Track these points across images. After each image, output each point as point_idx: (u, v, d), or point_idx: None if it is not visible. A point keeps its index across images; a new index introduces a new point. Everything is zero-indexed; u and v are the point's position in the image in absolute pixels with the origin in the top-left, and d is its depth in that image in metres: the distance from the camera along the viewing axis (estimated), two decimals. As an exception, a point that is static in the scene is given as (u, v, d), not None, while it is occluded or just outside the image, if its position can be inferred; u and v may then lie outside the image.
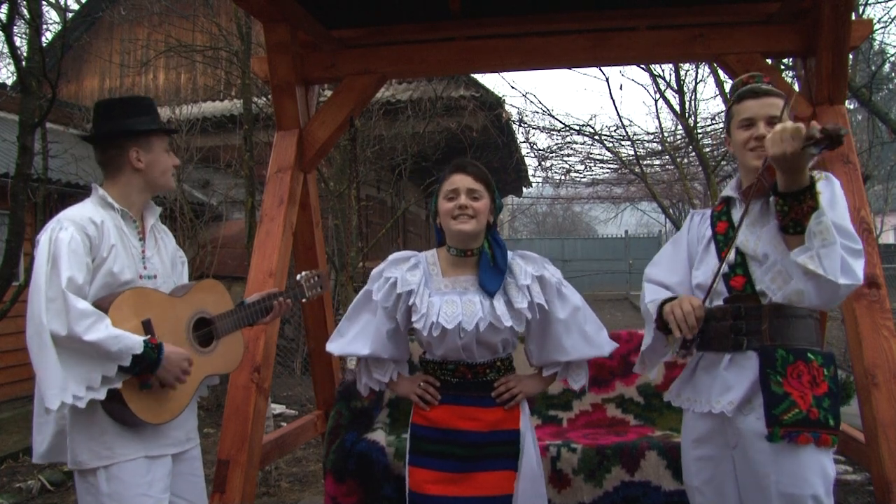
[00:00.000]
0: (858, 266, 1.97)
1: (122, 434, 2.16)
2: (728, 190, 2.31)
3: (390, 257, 2.38)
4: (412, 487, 2.27)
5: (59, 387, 1.97)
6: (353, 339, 2.38)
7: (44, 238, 2.11)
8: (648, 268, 2.41)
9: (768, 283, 2.09)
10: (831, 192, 2.05)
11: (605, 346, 2.37)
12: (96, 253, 2.16)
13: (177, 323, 2.27)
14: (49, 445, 2.20)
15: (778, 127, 1.89)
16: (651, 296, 2.30)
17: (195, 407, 2.45)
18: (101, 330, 2.00)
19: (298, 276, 2.78)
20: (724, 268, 2.15)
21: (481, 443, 2.26)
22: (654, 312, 2.23)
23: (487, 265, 2.27)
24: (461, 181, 2.26)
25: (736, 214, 2.22)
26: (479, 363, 2.29)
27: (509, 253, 2.33)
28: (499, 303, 2.23)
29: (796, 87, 3.59)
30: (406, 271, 2.31)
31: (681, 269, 2.33)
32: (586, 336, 2.34)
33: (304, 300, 2.76)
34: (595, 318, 2.38)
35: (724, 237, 2.21)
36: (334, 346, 2.43)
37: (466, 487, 2.21)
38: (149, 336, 2.12)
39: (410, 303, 2.26)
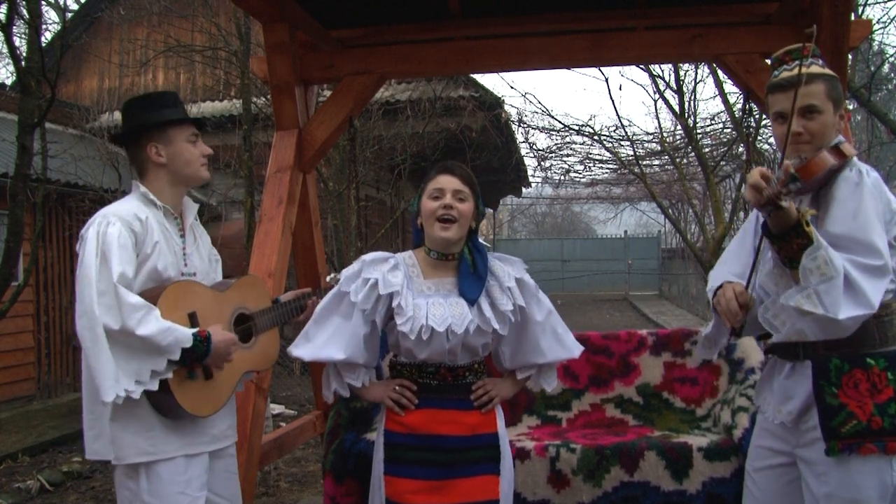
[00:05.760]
0: (874, 287, 1.82)
1: (164, 430, 2.14)
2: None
3: (365, 258, 2.28)
4: (392, 497, 2.21)
5: (113, 379, 1.96)
6: (325, 343, 2.24)
7: (91, 233, 2.08)
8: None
9: (771, 319, 2.00)
10: (857, 199, 1.90)
11: (574, 348, 2.40)
12: (140, 249, 2.15)
13: (220, 317, 2.26)
14: (105, 441, 2.16)
15: (749, 177, 1.82)
16: (711, 283, 2.21)
17: (234, 403, 2.42)
18: (152, 323, 2.00)
19: (328, 278, 2.76)
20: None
21: (463, 447, 2.22)
22: (711, 300, 2.14)
23: (468, 272, 2.23)
24: (448, 182, 2.23)
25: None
26: (460, 365, 2.25)
27: (488, 255, 2.31)
28: (485, 305, 2.21)
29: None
30: (387, 272, 2.23)
31: (745, 259, 2.18)
32: (559, 338, 2.35)
33: None
34: (562, 321, 2.39)
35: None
36: (303, 352, 2.27)
37: (451, 495, 2.17)
38: (197, 328, 2.11)
39: (394, 304, 2.20)
